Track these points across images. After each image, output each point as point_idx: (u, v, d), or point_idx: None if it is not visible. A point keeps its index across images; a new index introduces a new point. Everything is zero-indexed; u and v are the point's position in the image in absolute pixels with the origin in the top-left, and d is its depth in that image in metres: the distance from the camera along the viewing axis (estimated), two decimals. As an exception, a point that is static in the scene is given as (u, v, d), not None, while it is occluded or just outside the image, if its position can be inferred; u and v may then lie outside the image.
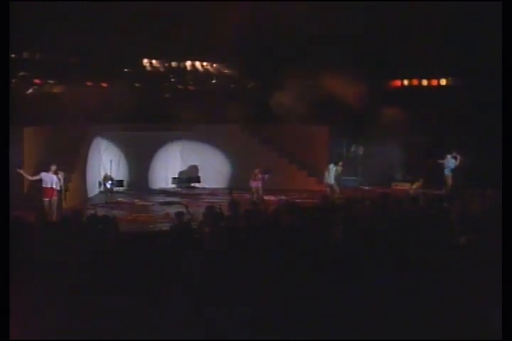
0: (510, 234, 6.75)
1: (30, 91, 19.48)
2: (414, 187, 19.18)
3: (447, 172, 19.58)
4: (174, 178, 21.56)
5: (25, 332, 6.36)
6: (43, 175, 14.91)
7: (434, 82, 22.24)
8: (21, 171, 15.10)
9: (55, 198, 14.83)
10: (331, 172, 18.61)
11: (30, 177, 15.33)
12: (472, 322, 6.47)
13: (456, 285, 6.91)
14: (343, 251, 7.91)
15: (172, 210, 16.53)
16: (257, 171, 18.51)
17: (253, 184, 18.37)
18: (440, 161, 19.61)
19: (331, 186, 18.63)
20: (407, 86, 22.74)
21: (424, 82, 22.27)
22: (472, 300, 6.69)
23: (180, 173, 21.67)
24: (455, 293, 6.83)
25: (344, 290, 6.79)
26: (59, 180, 14.83)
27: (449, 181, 19.47)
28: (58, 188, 14.88)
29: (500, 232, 7.22)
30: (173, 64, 21.78)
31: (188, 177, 21.54)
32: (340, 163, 18.88)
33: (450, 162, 19.56)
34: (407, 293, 6.80)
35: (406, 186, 20.24)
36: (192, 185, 21.47)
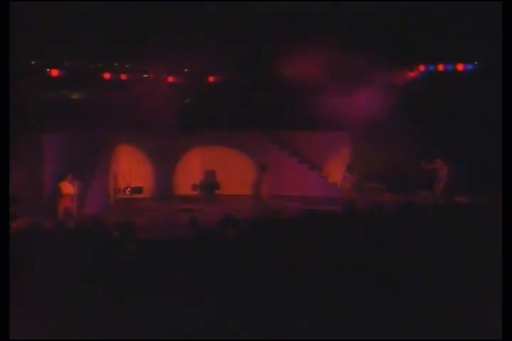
0: (511, 233, 6.84)
1: (50, 99, 19.63)
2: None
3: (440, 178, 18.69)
4: (194, 185, 21.57)
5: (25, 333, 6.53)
6: (61, 184, 15.53)
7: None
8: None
9: (71, 205, 15.41)
10: (349, 180, 18.56)
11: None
12: (472, 322, 6.55)
13: (457, 285, 7.05)
14: (365, 256, 8.05)
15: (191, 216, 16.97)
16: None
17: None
18: (429, 165, 18.58)
19: (352, 193, 18.37)
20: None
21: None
22: (472, 300, 6.81)
23: (201, 180, 21.67)
24: (455, 293, 6.96)
25: (354, 293, 7.00)
26: (74, 188, 15.43)
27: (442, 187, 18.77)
28: (74, 196, 15.47)
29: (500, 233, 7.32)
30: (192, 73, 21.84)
31: (208, 184, 21.54)
32: (352, 169, 18.70)
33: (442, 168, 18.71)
34: (407, 294, 6.92)
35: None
36: (212, 191, 21.39)
